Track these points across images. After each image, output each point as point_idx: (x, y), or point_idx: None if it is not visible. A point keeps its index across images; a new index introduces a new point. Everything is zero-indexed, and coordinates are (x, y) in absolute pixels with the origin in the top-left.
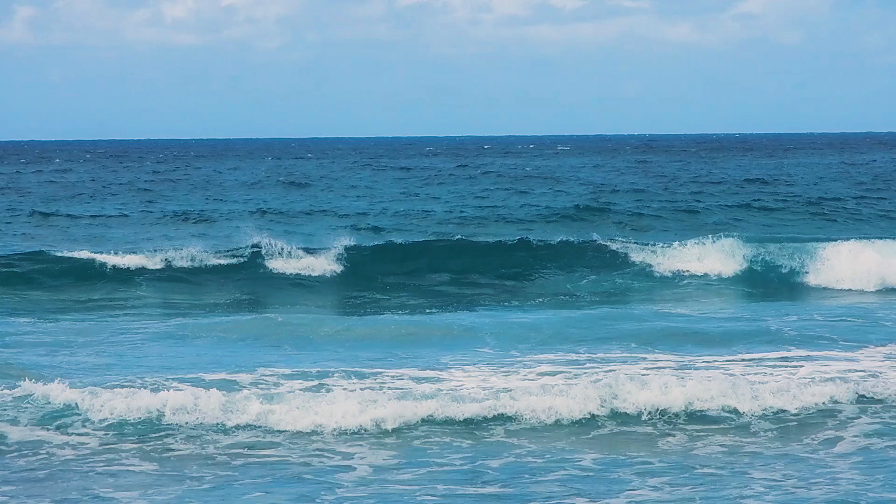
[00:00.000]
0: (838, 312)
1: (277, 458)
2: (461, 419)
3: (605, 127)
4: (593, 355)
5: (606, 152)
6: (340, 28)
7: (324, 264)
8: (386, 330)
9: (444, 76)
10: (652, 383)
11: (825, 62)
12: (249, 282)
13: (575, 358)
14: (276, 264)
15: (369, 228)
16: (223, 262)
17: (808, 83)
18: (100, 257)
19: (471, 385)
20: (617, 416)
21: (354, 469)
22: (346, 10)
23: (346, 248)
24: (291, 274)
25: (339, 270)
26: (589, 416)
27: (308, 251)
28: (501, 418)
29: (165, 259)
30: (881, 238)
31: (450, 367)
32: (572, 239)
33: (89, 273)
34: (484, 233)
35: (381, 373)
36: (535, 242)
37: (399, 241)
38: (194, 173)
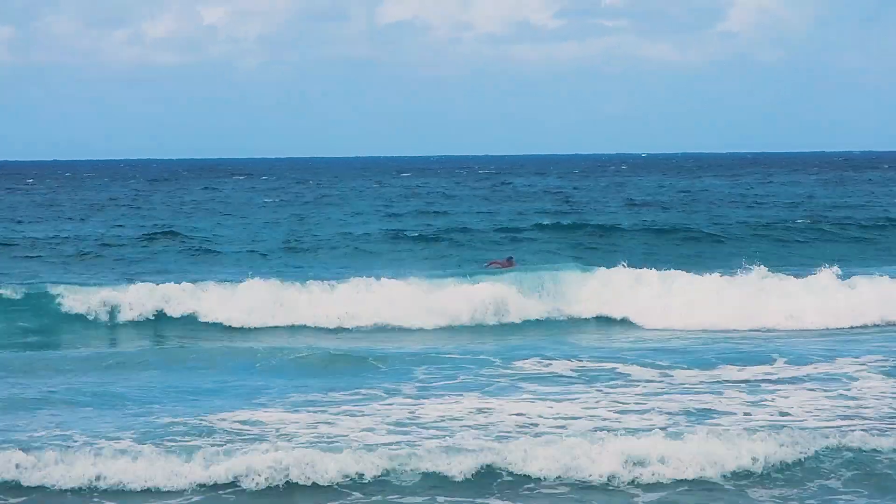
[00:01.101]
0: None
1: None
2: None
3: (588, 146)
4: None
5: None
6: (321, 47)
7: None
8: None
9: (425, 94)
10: None
11: (805, 81)
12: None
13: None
14: None
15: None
16: None
17: (789, 101)
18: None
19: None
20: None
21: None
22: (326, 29)
23: None
24: None
25: None
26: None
27: None
28: None
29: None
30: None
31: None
32: None
33: None
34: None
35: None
36: None
37: None
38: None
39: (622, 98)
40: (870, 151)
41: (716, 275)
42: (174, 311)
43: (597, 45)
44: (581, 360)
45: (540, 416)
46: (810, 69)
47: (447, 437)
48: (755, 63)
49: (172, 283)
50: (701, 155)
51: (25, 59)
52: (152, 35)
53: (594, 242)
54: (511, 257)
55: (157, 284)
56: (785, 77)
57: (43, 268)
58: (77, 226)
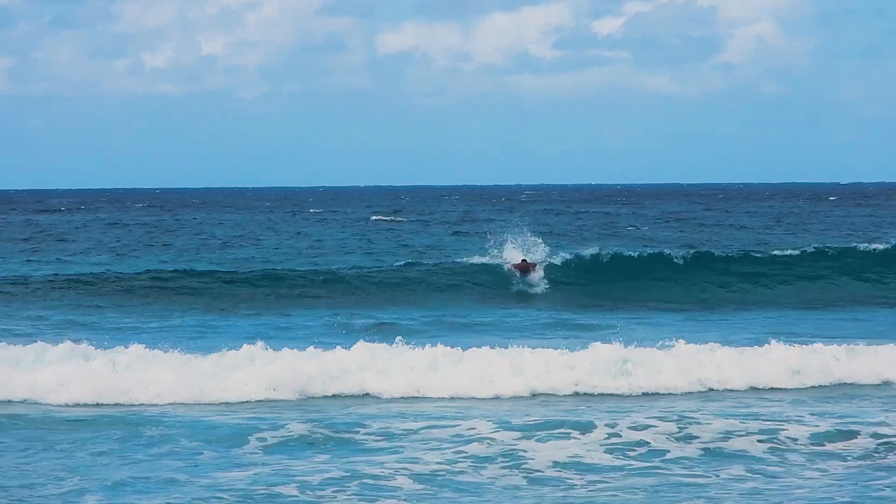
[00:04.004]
0: None
1: None
2: None
3: (589, 176)
4: None
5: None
6: (320, 78)
7: None
8: None
9: (425, 124)
10: None
11: (805, 112)
12: None
13: None
14: None
15: None
16: None
17: (790, 133)
18: None
19: None
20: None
21: None
22: (325, 59)
23: None
24: None
25: None
26: None
27: None
28: None
29: None
30: None
31: None
32: None
33: None
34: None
35: None
36: None
37: None
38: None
39: (620, 128)
40: (861, 183)
41: None
42: None
43: (595, 75)
44: None
45: None
46: (810, 101)
47: None
48: (754, 94)
49: None
50: (692, 186)
51: (26, 90)
52: (152, 65)
53: None
54: (525, 259)
55: None
56: (784, 108)
57: None
58: None
